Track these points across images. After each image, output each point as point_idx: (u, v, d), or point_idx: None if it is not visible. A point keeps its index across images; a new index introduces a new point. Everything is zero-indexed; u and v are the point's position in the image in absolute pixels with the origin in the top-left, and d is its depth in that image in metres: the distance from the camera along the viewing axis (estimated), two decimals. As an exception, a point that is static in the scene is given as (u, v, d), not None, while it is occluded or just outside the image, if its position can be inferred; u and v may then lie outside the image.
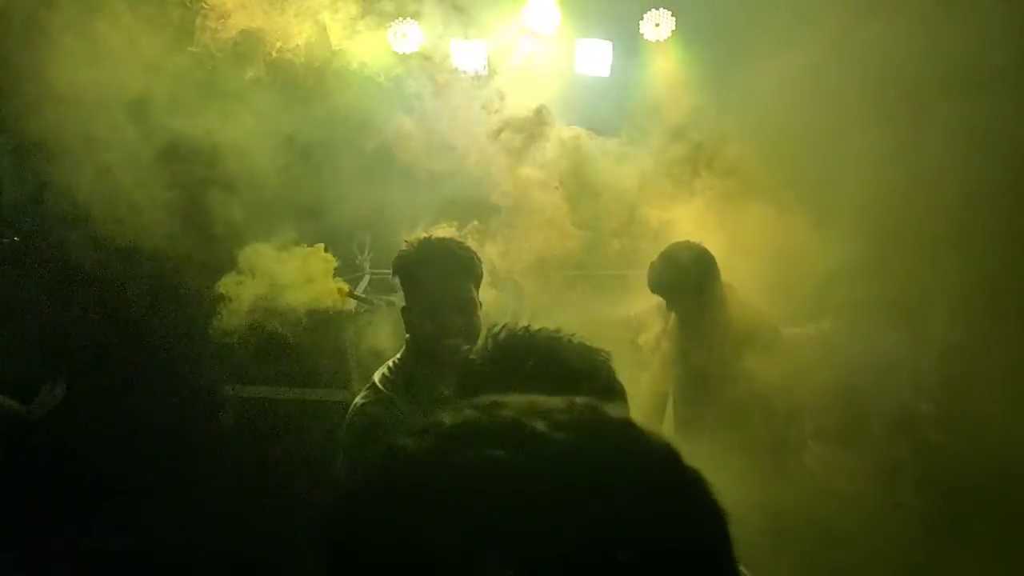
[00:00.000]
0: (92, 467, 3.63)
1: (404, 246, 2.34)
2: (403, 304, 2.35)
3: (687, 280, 3.25)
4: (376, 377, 2.27)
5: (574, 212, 3.86)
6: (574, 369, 1.22)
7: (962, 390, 3.68)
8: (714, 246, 3.37)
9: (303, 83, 3.68)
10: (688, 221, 3.70)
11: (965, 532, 3.10)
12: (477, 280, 2.31)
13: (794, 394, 3.25)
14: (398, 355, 2.33)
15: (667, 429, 3.33)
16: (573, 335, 1.27)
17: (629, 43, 4.73)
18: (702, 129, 3.92)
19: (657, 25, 4.67)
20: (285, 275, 3.30)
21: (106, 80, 3.38)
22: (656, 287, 3.36)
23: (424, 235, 2.38)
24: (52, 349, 3.99)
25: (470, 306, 2.24)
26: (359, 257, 4.55)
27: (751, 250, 3.48)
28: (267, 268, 3.28)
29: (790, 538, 2.93)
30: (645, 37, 4.70)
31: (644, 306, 3.69)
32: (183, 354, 4.02)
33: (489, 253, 3.83)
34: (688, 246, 3.30)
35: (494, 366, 1.24)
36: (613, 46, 4.72)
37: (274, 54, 3.58)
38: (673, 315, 3.46)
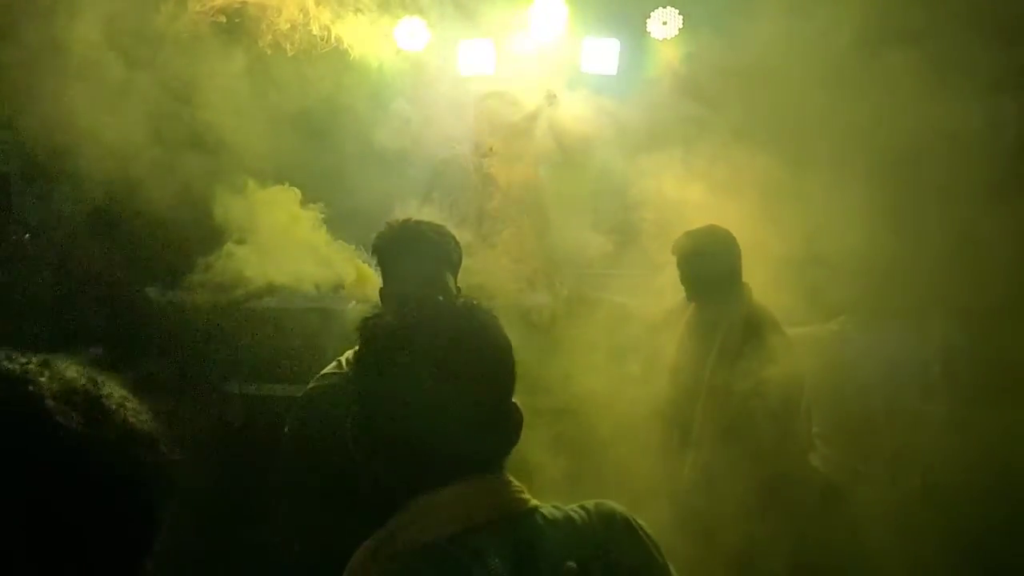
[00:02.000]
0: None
1: (384, 228, 2.36)
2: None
3: (716, 262, 3.24)
4: (327, 369, 2.24)
5: (574, 192, 3.86)
6: (447, 325, 1.23)
7: (971, 392, 3.67)
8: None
9: (301, 69, 3.66)
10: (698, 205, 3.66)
11: (971, 535, 3.09)
12: (453, 266, 2.30)
13: (801, 395, 3.23)
14: None
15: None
16: (467, 298, 1.29)
17: (636, 41, 4.73)
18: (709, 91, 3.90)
19: (664, 23, 4.67)
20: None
21: (114, 75, 3.39)
22: (683, 262, 3.32)
23: (403, 218, 2.39)
24: (60, 346, 4.01)
25: (442, 292, 2.20)
26: (366, 257, 4.56)
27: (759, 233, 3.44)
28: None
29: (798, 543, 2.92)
30: (652, 35, 4.69)
31: (663, 307, 3.66)
32: (190, 351, 4.04)
33: (497, 254, 3.84)
34: (720, 229, 3.28)
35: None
36: (620, 44, 4.72)
37: (266, 48, 3.56)
38: (692, 308, 3.41)
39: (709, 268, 3.25)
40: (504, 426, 1.24)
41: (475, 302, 1.27)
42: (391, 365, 1.19)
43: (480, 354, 1.21)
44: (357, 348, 1.27)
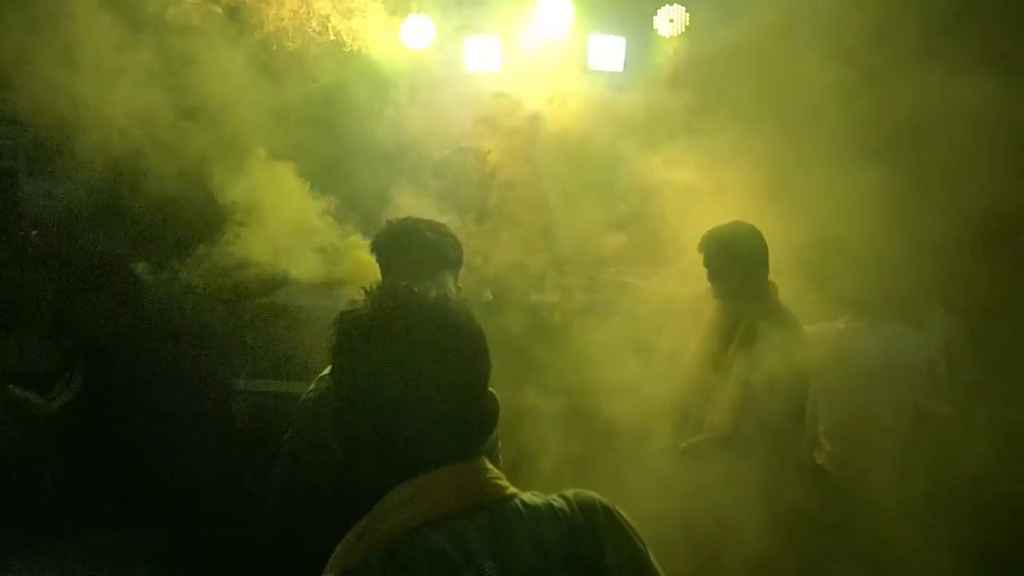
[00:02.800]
0: (105, 460, 3.67)
1: (384, 226, 2.35)
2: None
3: (742, 259, 3.23)
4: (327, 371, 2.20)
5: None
6: (420, 316, 1.25)
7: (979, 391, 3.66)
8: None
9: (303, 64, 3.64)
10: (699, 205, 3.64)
11: (977, 533, 3.08)
12: (452, 265, 2.28)
13: (807, 395, 3.23)
14: None
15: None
16: (440, 292, 1.31)
17: (643, 39, 4.72)
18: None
19: (671, 20, 4.66)
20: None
21: (119, 69, 3.38)
22: (709, 258, 3.30)
23: (403, 217, 2.38)
24: (67, 341, 4.02)
25: (438, 291, 2.19)
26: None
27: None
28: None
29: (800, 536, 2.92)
30: (659, 32, 4.69)
31: (689, 291, 3.63)
32: (195, 347, 4.05)
33: (504, 251, 3.84)
34: (748, 226, 3.27)
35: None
36: (626, 42, 4.71)
37: (268, 40, 3.53)
38: (716, 303, 3.40)
39: (735, 265, 3.24)
40: (479, 414, 1.26)
41: (448, 295, 1.30)
42: (365, 356, 1.23)
43: (453, 344, 1.24)
44: (334, 341, 1.28)
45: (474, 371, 1.26)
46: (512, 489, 1.26)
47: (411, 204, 3.31)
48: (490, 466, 1.26)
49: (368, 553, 1.17)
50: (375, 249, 2.35)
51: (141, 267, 3.66)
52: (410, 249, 2.24)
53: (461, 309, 1.29)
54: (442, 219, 2.46)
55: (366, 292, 1.30)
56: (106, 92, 3.31)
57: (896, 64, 3.32)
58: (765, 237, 3.25)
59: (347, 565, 1.19)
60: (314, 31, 3.60)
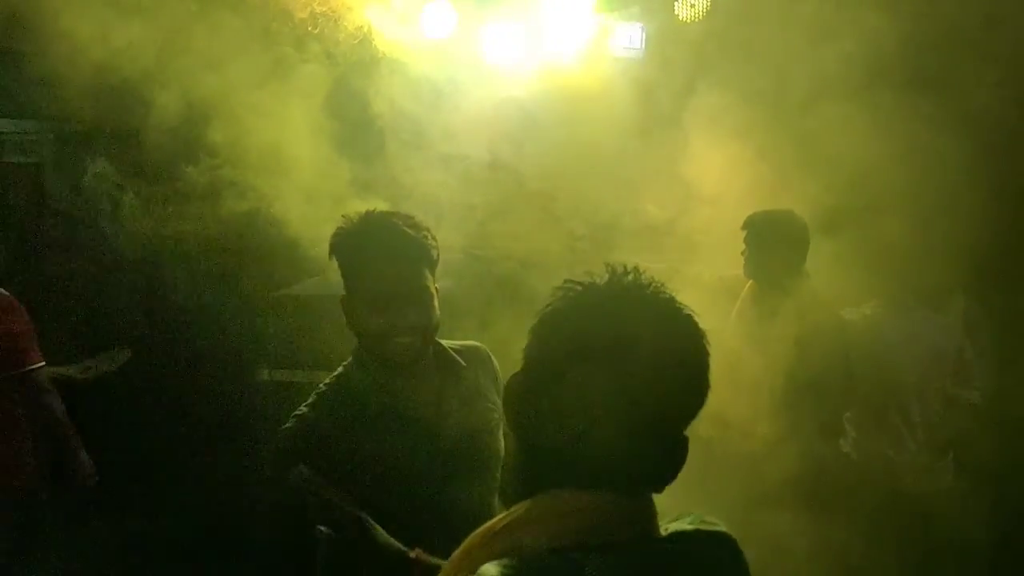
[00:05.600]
0: (128, 451, 3.71)
1: (342, 222, 1.93)
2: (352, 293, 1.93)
3: (786, 247, 3.24)
4: (305, 404, 1.99)
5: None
6: (654, 318, 1.09)
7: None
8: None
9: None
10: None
11: (1006, 521, 3.05)
12: (431, 264, 1.93)
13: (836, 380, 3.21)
14: (346, 362, 2.01)
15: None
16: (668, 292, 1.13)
17: (663, 23, 4.68)
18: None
19: (692, 5, 4.62)
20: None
21: (146, 65, 3.38)
22: (753, 239, 3.31)
23: (367, 210, 1.97)
24: (96, 333, 4.08)
25: (423, 295, 1.87)
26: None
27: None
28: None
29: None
30: (680, 17, 4.65)
31: (717, 274, 3.61)
32: (221, 338, 4.08)
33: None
34: (798, 217, 3.27)
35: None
36: (646, 27, 4.68)
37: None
38: (750, 288, 3.38)
39: (778, 252, 3.24)
40: (671, 452, 1.11)
41: (679, 302, 1.12)
42: (588, 352, 1.07)
43: (679, 367, 1.09)
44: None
45: (690, 402, 1.11)
46: (672, 527, 1.14)
47: (418, 202, 3.27)
48: (652, 503, 1.12)
49: (503, 563, 1.03)
50: (337, 250, 1.91)
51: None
52: (386, 245, 1.86)
53: (694, 323, 1.12)
54: (451, 218, 2.30)
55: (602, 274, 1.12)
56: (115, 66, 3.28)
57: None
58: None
59: (478, 566, 1.04)
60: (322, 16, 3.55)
